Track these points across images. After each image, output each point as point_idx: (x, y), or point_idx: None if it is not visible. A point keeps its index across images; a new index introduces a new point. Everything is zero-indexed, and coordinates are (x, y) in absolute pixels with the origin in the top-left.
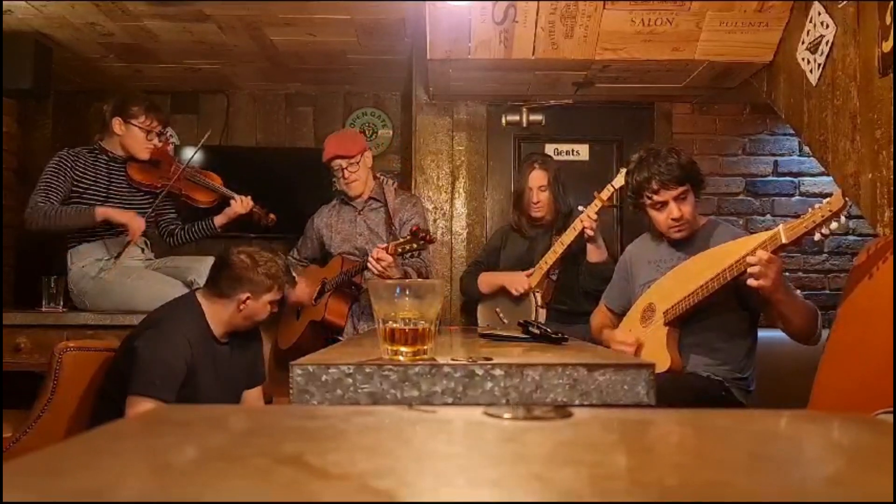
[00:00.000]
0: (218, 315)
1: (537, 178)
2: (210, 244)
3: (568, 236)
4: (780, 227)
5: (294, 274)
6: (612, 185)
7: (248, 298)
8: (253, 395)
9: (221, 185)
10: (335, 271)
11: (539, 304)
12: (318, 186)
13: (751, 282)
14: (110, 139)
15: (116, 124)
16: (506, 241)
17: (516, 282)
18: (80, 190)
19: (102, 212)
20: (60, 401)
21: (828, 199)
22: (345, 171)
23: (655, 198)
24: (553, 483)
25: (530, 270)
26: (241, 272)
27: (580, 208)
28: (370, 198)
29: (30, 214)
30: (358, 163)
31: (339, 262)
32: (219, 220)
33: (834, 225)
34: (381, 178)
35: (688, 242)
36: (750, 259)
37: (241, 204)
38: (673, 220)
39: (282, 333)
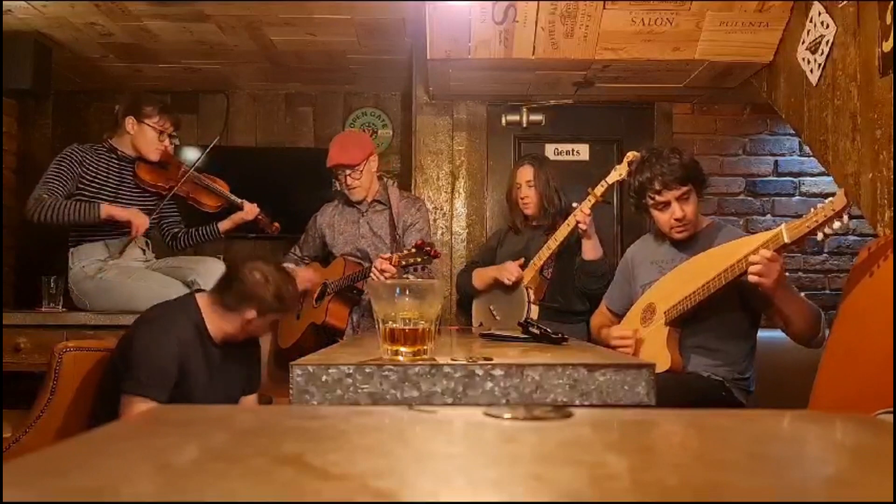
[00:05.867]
0: (219, 324)
1: (524, 173)
2: (210, 245)
3: (562, 232)
4: (783, 226)
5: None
6: (606, 181)
7: (253, 318)
8: (248, 402)
9: (228, 191)
10: (337, 274)
11: (532, 300)
12: (318, 186)
13: (752, 279)
14: (121, 138)
15: (129, 123)
16: (503, 241)
17: (506, 269)
18: (88, 185)
19: (107, 209)
20: (60, 401)
21: (830, 198)
22: (347, 177)
23: (658, 198)
24: (553, 483)
25: (521, 260)
26: (251, 289)
27: (574, 205)
28: (374, 200)
29: (33, 206)
30: (361, 170)
31: (342, 264)
32: (224, 225)
33: (836, 225)
34: (386, 179)
35: (690, 243)
36: (752, 258)
37: (248, 211)
38: (676, 220)
39: (282, 332)
